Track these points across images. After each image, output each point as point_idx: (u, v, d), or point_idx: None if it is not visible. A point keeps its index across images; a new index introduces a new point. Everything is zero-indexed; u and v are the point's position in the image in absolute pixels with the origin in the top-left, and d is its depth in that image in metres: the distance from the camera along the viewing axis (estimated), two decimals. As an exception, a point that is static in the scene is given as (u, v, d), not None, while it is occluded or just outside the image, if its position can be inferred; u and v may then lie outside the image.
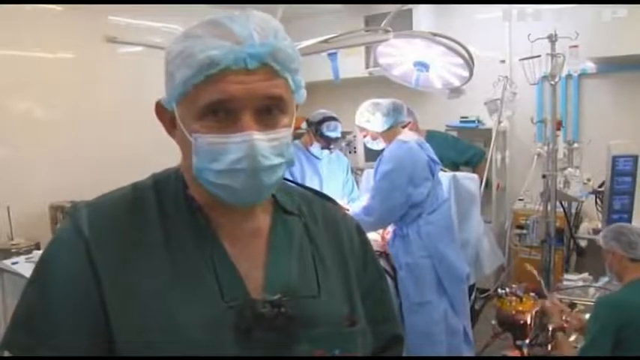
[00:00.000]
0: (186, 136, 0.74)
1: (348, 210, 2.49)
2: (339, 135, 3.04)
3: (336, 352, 0.77)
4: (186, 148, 0.75)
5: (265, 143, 0.71)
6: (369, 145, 2.80)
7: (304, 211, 0.89)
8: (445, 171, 3.02)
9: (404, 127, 2.82)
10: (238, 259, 0.78)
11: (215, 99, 0.70)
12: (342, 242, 0.90)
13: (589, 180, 3.43)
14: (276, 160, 0.73)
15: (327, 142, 3.00)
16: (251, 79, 0.70)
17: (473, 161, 3.94)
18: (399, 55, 2.89)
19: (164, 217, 0.78)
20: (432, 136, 3.78)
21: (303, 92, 0.78)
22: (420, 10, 4.23)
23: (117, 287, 0.72)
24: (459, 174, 3.09)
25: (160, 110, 0.78)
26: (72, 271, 0.73)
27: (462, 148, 4.00)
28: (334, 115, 3.01)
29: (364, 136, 2.76)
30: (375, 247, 2.73)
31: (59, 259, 0.74)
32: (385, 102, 2.67)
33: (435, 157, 2.69)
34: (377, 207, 2.58)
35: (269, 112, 0.73)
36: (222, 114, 0.71)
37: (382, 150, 2.70)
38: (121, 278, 0.72)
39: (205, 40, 0.70)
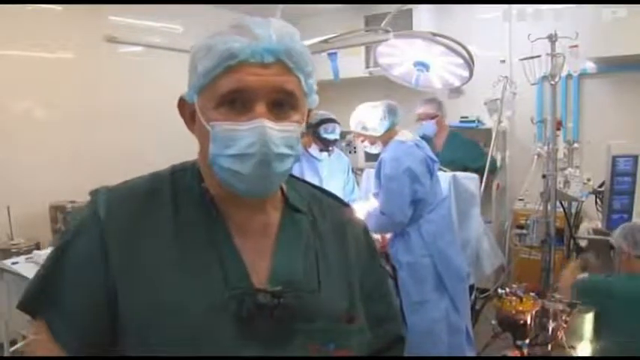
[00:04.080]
0: (204, 125, 0.78)
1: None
2: (337, 137, 3.02)
3: (331, 346, 0.80)
4: (203, 138, 0.79)
5: (276, 132, 0.75)
6: (367, 150, 2.78)
7: (313, 210, 0.92)
8: (445, 171, 3.01)
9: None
10: (246, 251, 0.81)
11: (232, 88, 0.75)
12: (348, 242, 0.92)
13: (589, 180, 3.43)
14: (286, 150, 0.77)
15: (325, 144, 2.97)
16: (266, 72, 0.75)
17: (483, 169, 3.88)
18: (399, 55, 2.89)
19: (177, 206, 0.82)
20: (453, 136, 3.74)
21: (316, 97, 0.84)
22: (420, 10, 4.24)
23: (126, 270, 0.77)
24: (459, 174, 3.06)
25: (182, 105, 0.84)
26: (85, 252, 0.78)
27: (477, 155, 3.82)
28: (332, 116, 2.98)
29: (362, 141, 2.74)
30: (375, 246, 2.72)
31: (75, 239, 0.80)
32: (380, 105, 2.64)
33: (433, 156, 2.68)
34: (391, 209, 2.56)
35: (281, 106, 0.78)
36: (238, 103, 0.76)
37: (380, 152, 2.70)
38: (131, 262, 0.77)
39: (227, 36, 0.76)
